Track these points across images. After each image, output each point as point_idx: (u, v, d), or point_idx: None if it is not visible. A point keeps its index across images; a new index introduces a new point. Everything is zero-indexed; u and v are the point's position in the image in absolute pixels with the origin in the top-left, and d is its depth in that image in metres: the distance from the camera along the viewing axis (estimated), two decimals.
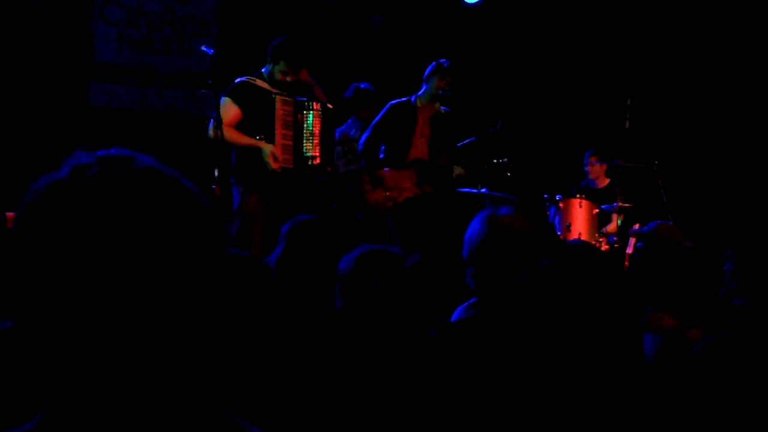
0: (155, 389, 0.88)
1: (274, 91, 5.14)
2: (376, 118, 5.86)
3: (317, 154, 5.27)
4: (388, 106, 5.86)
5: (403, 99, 5.87)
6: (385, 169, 5.78)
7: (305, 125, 5.22)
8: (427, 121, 5.84)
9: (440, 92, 5.72)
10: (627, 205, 6.19)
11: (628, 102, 6.24)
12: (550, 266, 1.63)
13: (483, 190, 5.68)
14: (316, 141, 5.25)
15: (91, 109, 7.10)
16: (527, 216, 2.06)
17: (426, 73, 5.79)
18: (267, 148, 5.03)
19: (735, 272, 2.59)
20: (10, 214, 5.31)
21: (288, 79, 5.14)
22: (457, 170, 5.79)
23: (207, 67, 5.31)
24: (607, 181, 6.87)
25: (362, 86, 6.42)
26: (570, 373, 1.63)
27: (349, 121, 6.42)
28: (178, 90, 7.44)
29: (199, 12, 7.56)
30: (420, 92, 5.84)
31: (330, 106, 5.38)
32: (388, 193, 5.73)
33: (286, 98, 5.17)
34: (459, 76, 5.80)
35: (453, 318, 3.31)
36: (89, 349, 0.84)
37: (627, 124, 6.21)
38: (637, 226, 5.98)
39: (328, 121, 5.35)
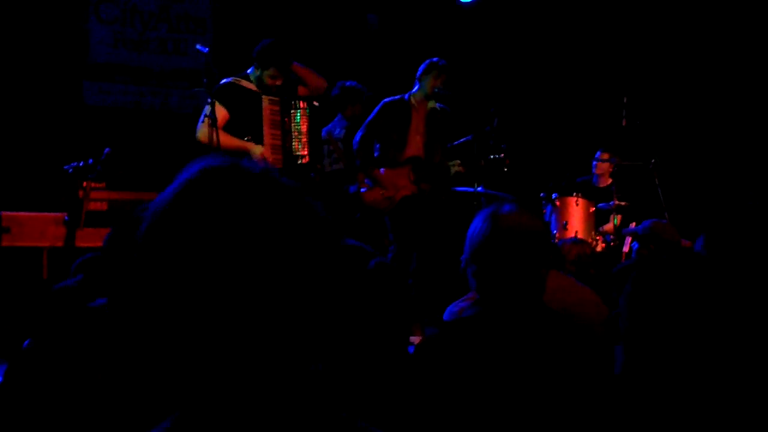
0: (283, 389, 0.89)
1: (260, 91, 5.13)
2: (370, 116, 5.83)
3: (306, 152, 5.26)
4: (381, 103, 5.82)
5: (397, 97, 5.84)
6: (381, 168, 5.74)
7: (293, 124, 5.22)
8: (422, 118, 5.82)
9: (436, 90, 5.70)
10: (623, 203, 6.18)
11: (625, 100, 6.23)
12: (660, 274, 1.56)
13: (479, 188, 5.66)
14: (304, 140, 5.25)
15: (86, 108, 7.07)
16: (530, 214, 2.04)
17: (420, 71, 5.77)
18: (257, 149, 5.02)
19: None
20: (5, 213, 5.27)
21: (278, 82, 5.14)
22: (456, 167, 5.76)
23: (202, 65, 5.29)
24: (610, 181, 6.82)
25: (348, 84, 6.39)
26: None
27: (336, 119, 6.40)
28: (173, 88, 7.42)
29: (194, 10, 7.54)
30: (413, 90, 5.82)
31: (316, 103, 5.36)
32: (384, 192, 5.69)
33: (273, 98, 5.17)
34: (453, 75, 5.78)
35: (446, 314, 3.30)
36: (221, 348, 0.85)
37: (624, 122, 6.20)
38: (633, 225, 5.98)
39: (314, 119, 5.34)
